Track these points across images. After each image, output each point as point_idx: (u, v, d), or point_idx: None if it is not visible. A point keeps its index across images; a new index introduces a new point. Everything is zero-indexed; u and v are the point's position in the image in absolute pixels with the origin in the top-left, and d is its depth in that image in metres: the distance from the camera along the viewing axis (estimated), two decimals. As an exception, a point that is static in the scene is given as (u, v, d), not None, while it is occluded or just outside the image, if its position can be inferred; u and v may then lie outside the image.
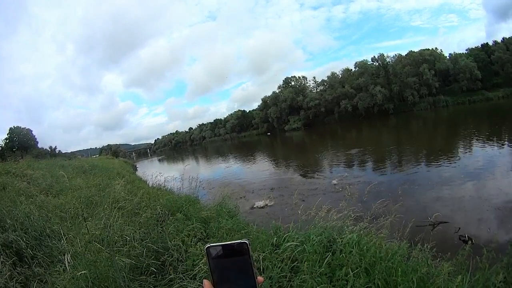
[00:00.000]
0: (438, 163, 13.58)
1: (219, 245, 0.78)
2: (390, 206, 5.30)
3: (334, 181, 13.07)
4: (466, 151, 16.13)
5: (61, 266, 3.50)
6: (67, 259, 3.24)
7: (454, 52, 65.55)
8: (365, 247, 3.58)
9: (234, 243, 0.77)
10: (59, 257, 3.82)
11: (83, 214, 4.41)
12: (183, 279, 3.42)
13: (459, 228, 6.70)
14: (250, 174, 21.09)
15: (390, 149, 21.33)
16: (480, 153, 14.57)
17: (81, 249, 3.66)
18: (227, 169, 26.85)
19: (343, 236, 3.92)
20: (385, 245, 3.79)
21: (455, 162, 13.44)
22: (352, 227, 4.27)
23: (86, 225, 4.11)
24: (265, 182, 16.28)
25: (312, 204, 5.16)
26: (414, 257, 3.46)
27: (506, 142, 16.25)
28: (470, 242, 5.58)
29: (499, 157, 13.02)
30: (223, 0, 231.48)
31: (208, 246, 0.78)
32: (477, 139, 18.55)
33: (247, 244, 0.77)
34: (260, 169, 22.03)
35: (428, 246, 3.58)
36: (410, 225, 4.12)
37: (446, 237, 6.30)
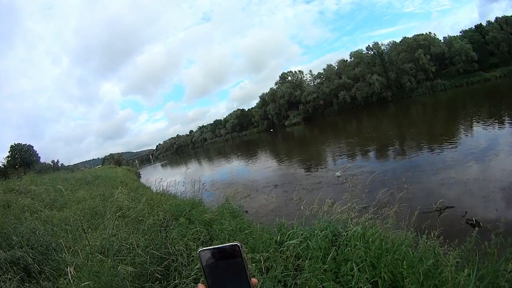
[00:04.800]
0: (441, 148, 13.51)
1: (212, 248, 0.77)
2: (395, 194, 5.25)
3: (338, 173, 13.05)
4: (467, 133, 16.04)
5: (65, 279, 3.49)
6: (70, 271, 3.24)
7: (448, 35, 65.14)
8: (370, 239, 3.52)
9: (226, 246, 0.77)
10: (66, 270, 3.82)
11: (82, 225, 4.40)
12: (188, 284, 3.40)
13: (466, 212, 6.65)
14: (253, 172, 21.11)
15: (392, 137, 21.26)
16: (481, 135, 14.49)
17: (83, 261, 3.65)
18: (230, 169, 26.86)
19: (348, 229, 3.86)
20: (391, 235, 3.73)
21: (458, 145, 13.39)
22: (357, 219, 4.21)
23: (86, 236, 4.10)
24: (268, 179, 16.28)
25: (315, 199, 5.12)
26: (421, 246, 3.40)
27: (506, 122, 16.17)
28: (477, 226, 5.55)
29: (501, 137, 12.92)
30: (216, 1, 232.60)
31: (201, 250, 0.77)
32: (477, 121, 18.44)
33: (239, 247, 0.76)
34: (263, 167, 22.04)
35: (435, 233, 3.50)
36: (416, 213, 4.04)
37: (453, 222, 6.21)
